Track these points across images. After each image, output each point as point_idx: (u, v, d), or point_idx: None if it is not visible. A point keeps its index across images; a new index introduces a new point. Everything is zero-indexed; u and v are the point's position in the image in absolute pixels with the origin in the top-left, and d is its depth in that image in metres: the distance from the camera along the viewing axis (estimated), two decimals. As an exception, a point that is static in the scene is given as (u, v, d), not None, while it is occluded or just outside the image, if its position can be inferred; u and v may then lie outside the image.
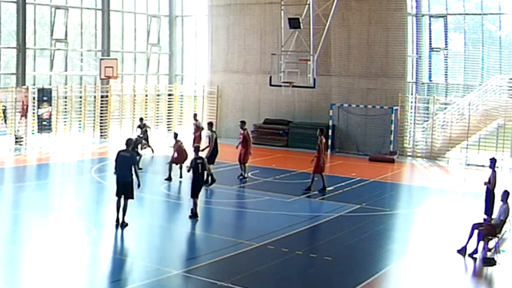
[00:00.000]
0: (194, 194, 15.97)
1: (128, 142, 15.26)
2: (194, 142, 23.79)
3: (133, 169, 14.83)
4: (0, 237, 14.03)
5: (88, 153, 27.08)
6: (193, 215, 16.02)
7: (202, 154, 17.21)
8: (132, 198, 14.99)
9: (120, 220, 14.86)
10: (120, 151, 15.22)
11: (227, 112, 33.22)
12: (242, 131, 21.59)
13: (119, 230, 14.84)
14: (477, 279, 13.08)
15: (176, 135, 21.56)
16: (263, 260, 13.25)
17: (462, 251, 13.72)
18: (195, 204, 16.02)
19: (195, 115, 26.97)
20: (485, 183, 16.02)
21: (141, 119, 25.98)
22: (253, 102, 32.49)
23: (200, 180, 16.16)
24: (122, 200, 14.87)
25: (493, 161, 16.24)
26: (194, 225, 16.27)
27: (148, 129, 25.33)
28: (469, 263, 13.52)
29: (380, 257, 13.81)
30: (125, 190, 14.81)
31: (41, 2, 28.78)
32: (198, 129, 24.77)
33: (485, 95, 27.36)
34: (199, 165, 15.96)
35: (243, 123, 21.83)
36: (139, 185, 14.97)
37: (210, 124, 21.88)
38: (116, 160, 15.16)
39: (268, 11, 31.50)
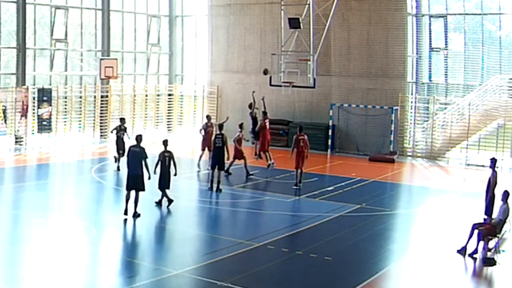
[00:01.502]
0: (161, 187, 16.88)
1: (138, 138, 16.07)
2: (204, 144, 23.19)
3: (143, 163, 15.64)
4: (0, 237, 14.03)
5: (88, 153, 27.08)
6: (159, 202, 17.10)
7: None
8: (143, 190, 15.74)
9: (133, 211, 15.66)
10: (130, 147, 16.13)
11: (227, 112, 33.13)
12: (265, 121, 23.26)
13: (119, 230, 15.08)
14: (477, 279, 13.08)
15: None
16: (263, 260, 13.26)
17: (462, 251, 13.72)
18: (163, 195, 17.01)
19: (208, 116, 24.44)
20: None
21: (122, 120, 22.81)
22: (253, 102, 32.45)
23: (167, 172, 16.91)
24: (132, 193, 15.63)
25: (493, 161, 16.22)
26: (194, 225, 16.31)
27: (126, 133, 22.32)
28: (469, 263, 13.51)
29: (380, 257, 13.81)
30: (136, 183, 15.62)
31: (41, 2, 28.76)
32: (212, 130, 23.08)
33: (485, 95, 27.34)
34: (167, 158, 16.87)
35: (265, 113, 23.59)
36: (149, 178, 15.77)
37: (256, 125, 23.49)
38: (127, 155, 16.05)
39: (268, 11, 31.49)
